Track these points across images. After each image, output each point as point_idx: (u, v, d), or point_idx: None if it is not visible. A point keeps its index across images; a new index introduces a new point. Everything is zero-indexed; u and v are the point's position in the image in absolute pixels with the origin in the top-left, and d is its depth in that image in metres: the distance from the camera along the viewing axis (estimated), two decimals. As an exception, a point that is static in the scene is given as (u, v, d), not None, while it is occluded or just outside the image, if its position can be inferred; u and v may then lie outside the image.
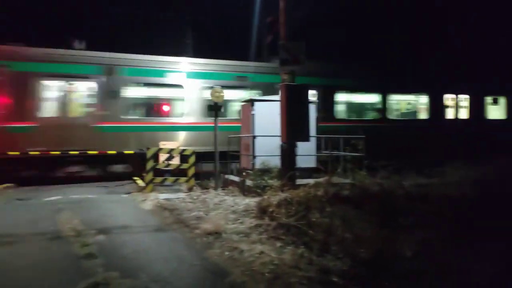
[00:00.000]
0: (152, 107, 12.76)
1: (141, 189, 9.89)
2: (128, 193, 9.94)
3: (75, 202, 8.58)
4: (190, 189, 9.66)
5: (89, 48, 12.01)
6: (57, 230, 6.17)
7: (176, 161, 10.72)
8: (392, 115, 15.40)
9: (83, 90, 11.57)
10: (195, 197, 8.46)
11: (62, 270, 4.45)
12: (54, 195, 9.50)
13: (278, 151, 8.41)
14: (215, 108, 9.64)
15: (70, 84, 11.37)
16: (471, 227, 5.06)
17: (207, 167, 10.60)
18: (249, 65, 13.41)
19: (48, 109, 11.24)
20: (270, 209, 6.12)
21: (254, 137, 9.30)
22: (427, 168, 8.97)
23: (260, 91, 12.96)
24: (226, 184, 9.84)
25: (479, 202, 5.80)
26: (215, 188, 9.42)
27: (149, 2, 20.35)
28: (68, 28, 17.78)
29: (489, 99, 16.95)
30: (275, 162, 8.71)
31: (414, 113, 16.26)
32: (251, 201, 7.40)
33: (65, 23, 18.68)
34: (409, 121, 15.77)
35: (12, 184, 10.71)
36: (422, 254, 4.42)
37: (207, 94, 11.39)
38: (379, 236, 4.85)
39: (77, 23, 18.58)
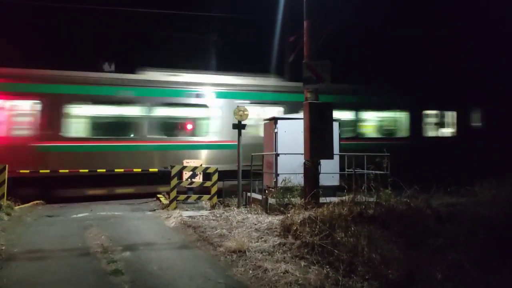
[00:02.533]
0: None
1: (165, 207, 10.02)
2: (152, 210, 10.08)
3: (102, 219, 8.77)
4: (213, 207, 9.71)
5: (117, 69, 12.47)
6: (85, 246, 6.32)
7: (199, 178, 10.85)
8: None
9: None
10: (218, 215, 8.49)
11: (90, 286, 4.54)
12: (81, 212, 9.75)
13: (301, 169, 8.38)
14: (239, 127, 9.72)
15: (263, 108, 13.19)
16: (505, 249, 4.84)
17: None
18: None
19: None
20: (294, 228, 6.07)
21: (277, 155, 9.32)
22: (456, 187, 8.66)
23: None
24: (248, 202, 9.83)
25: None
26: (238, 206, 9.43)
27: (170, 22, 21.11)
28: (96, 49, 18.61)
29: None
30: (298, 180, 8.67)
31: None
32: (274, 219, 7.37)
33: (92, 44, 19.57)
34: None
35: (41, 201, 11.07)
36: (454, 278, 4.25)
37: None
38: (407, 257, 4.71)
39: (103, 44, 19.43)
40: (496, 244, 4.92)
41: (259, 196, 9.67)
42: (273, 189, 9.09)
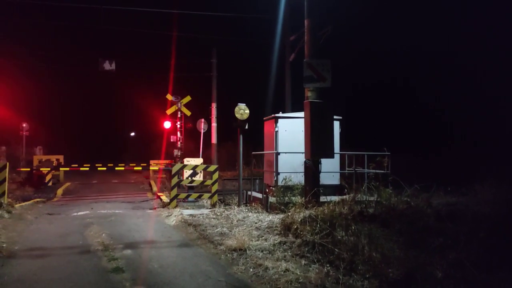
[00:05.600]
0: None
1: (165, 205, 10.02)
2: (153, 208, 10.09)
3: (103, 217, 8.78)
4: (213, 205, 9.72)
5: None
6: (85, 244, 6.33)
7: (199, 177, 10.86)
8: None
9: None
10: (218, 213, 8.50)
11: (91, 284, 4.54)
12: (82, 210, 9.76)
13: (301, 168, 8.37)
14: (239, 126, 9.69)
15: None
16: (506, 248, 4.84)
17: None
18: None
19: None
20: (294, 226, 6.07)
21: (277, 153, 9.32)
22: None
23: None
24: (249, 201, 9.84)
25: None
26: (238, 205, 9.43)
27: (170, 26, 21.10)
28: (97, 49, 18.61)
29: None
30: (299, 179, 8.67)
31: None
32: (274, 218, 7.37)
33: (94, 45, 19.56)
34: None
35: (42, 199, 11.09)
36: (454, 277, 4.26)
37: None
38: (408, 256, 4.71)
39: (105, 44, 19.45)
40: (497, 243, 4.92)
41: (259, 195, 9.67)
42: (273, 188, 9.10)
